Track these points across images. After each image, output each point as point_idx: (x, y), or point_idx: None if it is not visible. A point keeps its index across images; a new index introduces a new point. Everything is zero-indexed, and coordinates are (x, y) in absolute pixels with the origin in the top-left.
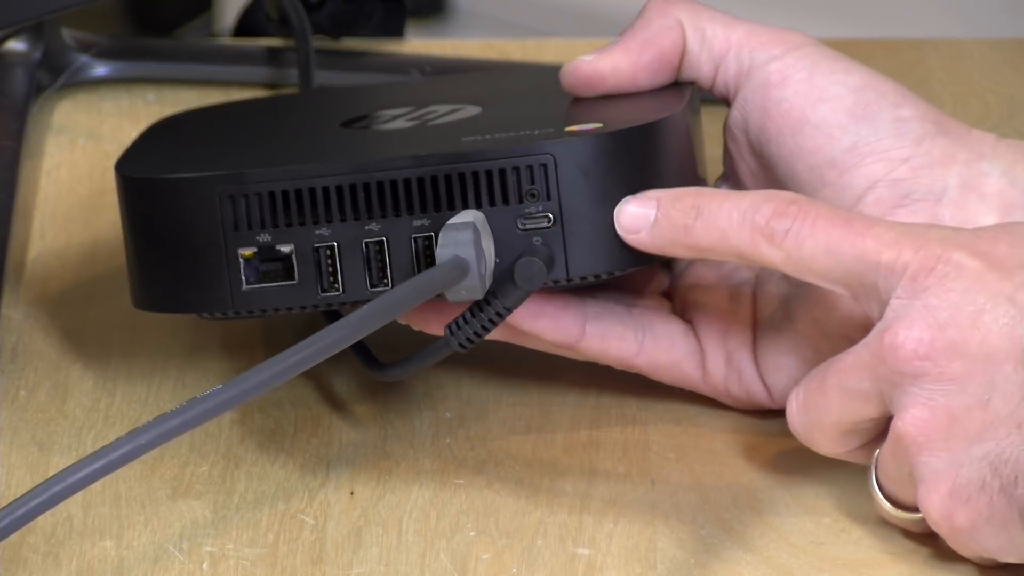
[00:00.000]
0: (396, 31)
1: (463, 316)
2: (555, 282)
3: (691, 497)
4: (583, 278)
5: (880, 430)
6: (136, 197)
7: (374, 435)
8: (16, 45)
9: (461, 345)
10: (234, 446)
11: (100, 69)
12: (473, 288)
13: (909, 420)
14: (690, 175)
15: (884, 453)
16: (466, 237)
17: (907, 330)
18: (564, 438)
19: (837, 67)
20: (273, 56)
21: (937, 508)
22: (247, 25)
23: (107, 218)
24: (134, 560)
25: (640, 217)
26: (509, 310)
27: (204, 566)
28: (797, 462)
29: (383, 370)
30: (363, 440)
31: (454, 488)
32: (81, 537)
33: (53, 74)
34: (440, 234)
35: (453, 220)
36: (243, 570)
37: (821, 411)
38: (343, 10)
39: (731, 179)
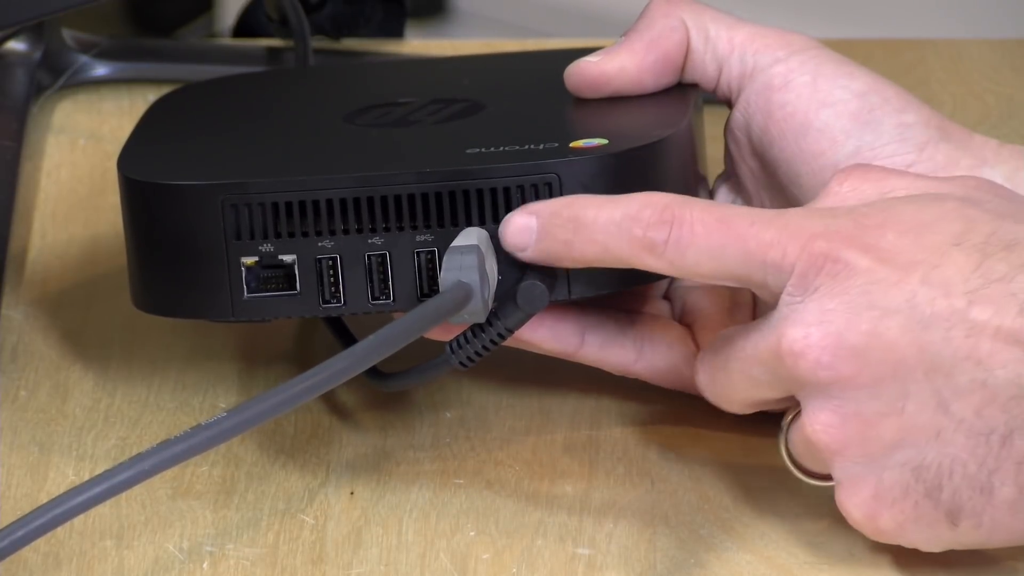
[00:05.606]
0: (396, 32)
1: (464, 335)
2: (555, 300)
3: (691, 497)
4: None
5: (792, 399)
6: (137, 199)
7: (374, 435)
8: (16, 45)
9: (461, 363)
10: (234, 446)
11: (100, 69)
12: (476, 312)
13: (820, 428)
14: (691, 185)
15: (795, 439)
16: (470, 262)
17: (805, 338)
18: (564, 438)
19: (841, 71)
20: (273, 56)
21: (861, 511)
22: (247, 25)
23: (107, 218)
24: (134, 560)
25: (523, 231)
26: (511, 331)
27: (204, 566)
28: None
29: (383, 380)
30: (363, 440)
31: (454, 488)
32: (81, 537)
33: (53, 74)
34: (444, 258)
35: (457, 242)
36: (243, 570)
37: (728, 388)
38: (343, 11)
39: (732, 179)
